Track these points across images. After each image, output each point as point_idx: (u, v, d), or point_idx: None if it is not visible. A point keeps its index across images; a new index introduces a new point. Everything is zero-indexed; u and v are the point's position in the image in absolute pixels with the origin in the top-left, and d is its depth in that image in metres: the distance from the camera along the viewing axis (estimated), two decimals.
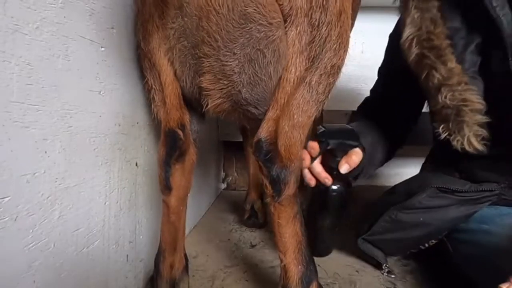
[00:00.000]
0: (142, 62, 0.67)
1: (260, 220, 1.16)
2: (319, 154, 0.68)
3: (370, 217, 0.86)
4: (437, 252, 0.84)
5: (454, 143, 0.66)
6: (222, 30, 0.55)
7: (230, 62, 0.57)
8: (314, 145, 0.67)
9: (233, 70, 0.58)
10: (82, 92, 0.56)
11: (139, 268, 0.76)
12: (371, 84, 1.04)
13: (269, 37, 0.55)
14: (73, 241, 0.54)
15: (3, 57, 0.41)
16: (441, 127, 0.67)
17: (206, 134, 1.32)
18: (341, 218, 0.70)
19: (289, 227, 0.61)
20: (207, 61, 0.58)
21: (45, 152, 0.48)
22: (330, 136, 0.68)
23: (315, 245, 0.70)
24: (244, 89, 0.59)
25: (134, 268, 0.74)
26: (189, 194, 0.73)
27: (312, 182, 0.69)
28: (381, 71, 0.97)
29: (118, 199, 0.67)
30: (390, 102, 0.88)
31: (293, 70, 0.57)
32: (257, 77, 0.58)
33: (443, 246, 0.79)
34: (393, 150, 0.90)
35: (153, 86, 0.66)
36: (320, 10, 0.54)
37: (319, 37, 0.56)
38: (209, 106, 0.62)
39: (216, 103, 0.62)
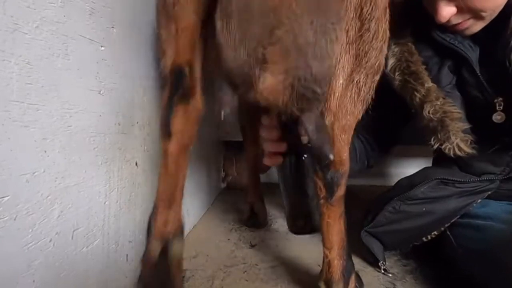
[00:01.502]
0: (158, 8, 0.60)
1: (260, 220, 1.16)
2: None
3: (373, 209, 0.88)
4: (440, 249, 0.84)
5: (446, 151, 0.75)
6: None
7: (306, 31, 0.51)
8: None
9: (307, 41, 0.52)
10: (82, 92, 0.55)
11: (139, 268, 0.76)
12: None
13: (339, 15, 0.51)
14: (73, 240, 0.54)
15: (2, 56, 0.41)
16: (432, 139, 0.78)
17: (206, 134, 1.32)
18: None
19: (336, 226, 0.65)
20: (278, 31, 0.52)
21: (45, 151, 0.48)
22: None
23: (314, 218, 0.76)
24: (316, 62, 0.54)
25: (134, 268, 0.74)
26: (191, 147, 0.65)
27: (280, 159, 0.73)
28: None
29: (118, 199, 0.67)
30: (378, 118, 0.95)
31: (341, 73, 0.55)
32: (325, 52, 0.54)
33: (447, 242, 0.80)
34: (374, 154, 0.98)
35: (166, 38, 0.59)
36: (370, 4, 0.52)
37: (367, 33, 0.53)
38: (263, 84, 0.56)
39: (276, 80, 0.55)
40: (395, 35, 0.82)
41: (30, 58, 0.45)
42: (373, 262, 0.87)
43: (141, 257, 0.70)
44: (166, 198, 0.61)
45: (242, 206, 1.22)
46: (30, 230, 0.45)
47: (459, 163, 0.84)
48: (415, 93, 0.78)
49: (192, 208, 1.13)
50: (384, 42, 0.57)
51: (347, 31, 0.53)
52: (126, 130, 0.69)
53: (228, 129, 1.53)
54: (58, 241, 0.50)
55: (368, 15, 0.53)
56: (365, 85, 0.58)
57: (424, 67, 0.79)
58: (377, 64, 0.57)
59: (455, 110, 0.75)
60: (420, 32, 0.81)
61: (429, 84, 0.77)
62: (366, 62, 0.56)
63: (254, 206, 1.18)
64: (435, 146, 0.77)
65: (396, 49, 0.82)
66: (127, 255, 0.71)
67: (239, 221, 1.20)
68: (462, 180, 0.80)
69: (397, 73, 0.82)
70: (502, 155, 0.79)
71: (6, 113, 0.41)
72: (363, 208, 0.96)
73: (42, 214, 0.47)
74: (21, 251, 0.44)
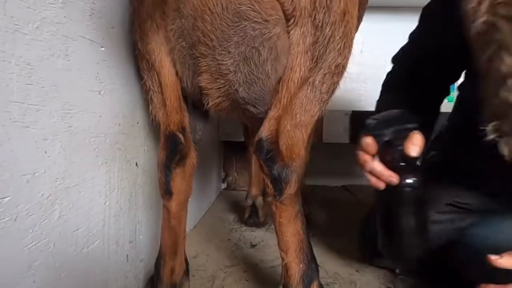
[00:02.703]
0: (140, 62, 0.67)
1: (261, 219, 1.16)
2: (378, 150, 0.59)
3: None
4: (441, 249, 0.84)
5: (502, 147, 0.53)
6: (217, 29, 0.55)
7: (226, 61, 0.57)
8: (369, 141, 0.59)
9: (228, 69, 0.58)
10: (82, 92, 0.55)
11: (139, 268, 0.76)
12: (371, 84, 1.04)
13: (264, 34, 0.55)
14: (73, 241, 0.54)
15: (3, 57, 0.41)
16: (491, 125, 0.53)
17: (206, 134, 1.32)
18: (423, 213, 0.62)
19: (291, 226, 0.62)
20: (204, 61, 0.59)
21: (45, 152, 0.48)
22: (384, 126, 0.59)
23: (403, 250, 0.63)
24: (241, 88, 0.59)
25: (134, 268, 0.74)
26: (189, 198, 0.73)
27: (381, 185, 0.60)
28: (416, 41, 0.83)
29: (118, 199, 0.67)
30: (421, 79, 0.78)
31: (297, 70, 0.57)
32: (253, 75, 0.58)
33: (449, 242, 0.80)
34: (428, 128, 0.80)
35: (151, 88, 0.66)
36: (323, 11, 0.55)
37: (322, 37, 0.56)
38: (209, 105, 0.63)
39: (216, 102, 0.63)
40: None
41: (31, 58, 0.45)
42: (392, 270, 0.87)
43: (141, 258, 0.71)
44: (171, 248, 0.68)
45: (243, 204, 1.22)
46: (31, 230, 0.45)
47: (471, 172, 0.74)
48: (503, 53, 0.49)
49: (192, 208, 1.13)
50: (344, 44, 0.58)
51: (304, 36, 0.56)
52: (126, 130, 0.69)
53: (228, 129, 1.53)
54: (59, 241, 0.50)
55: (322, 22, 0.55)
56: (322, 85, 0.59)
57: None
58: (334, 64, 0.58)
59: None
60: None
61: None
62: (323, 63, 0.58)
63: (256, 203, 1.18)
64: (491, 136, 0.53)
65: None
66: (127, 255, 0.71)
67: (239, 221, 1.20)
68: (471, 203, 0.74)
69: (483, 11, 0.51)
70: None
71: (6, 113, 0.41)
72: (363, 208, 0.96)
73: (42, 215, 0.47)
74: (22, 251, 0.44)
